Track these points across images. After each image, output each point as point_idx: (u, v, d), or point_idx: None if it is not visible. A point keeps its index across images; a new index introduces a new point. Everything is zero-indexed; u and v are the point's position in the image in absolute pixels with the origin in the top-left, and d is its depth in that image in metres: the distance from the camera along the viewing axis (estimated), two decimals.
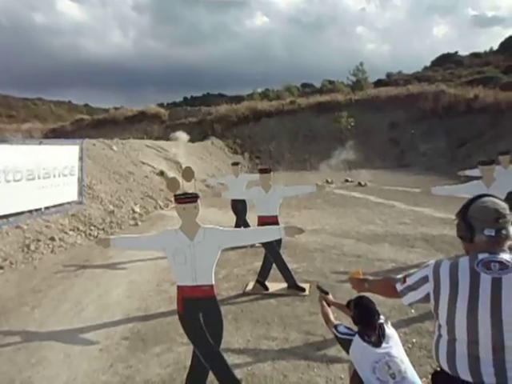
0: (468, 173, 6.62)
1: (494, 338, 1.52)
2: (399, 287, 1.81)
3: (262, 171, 5.03)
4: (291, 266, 5.31)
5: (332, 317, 2.71)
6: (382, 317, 2.45)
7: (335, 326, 2.58)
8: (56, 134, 26.75)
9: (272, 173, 5.07)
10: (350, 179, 16.64)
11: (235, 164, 7.82)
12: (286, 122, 25.10)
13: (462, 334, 1.57)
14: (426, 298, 1.69)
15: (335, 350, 3.62)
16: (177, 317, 4.49)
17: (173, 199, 2.74)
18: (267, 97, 32.51)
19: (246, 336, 3.99)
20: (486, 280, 1.52)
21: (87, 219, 9.21)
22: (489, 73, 27.73)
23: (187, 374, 2.83)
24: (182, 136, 23.49)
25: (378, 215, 9.58)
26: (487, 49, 44.30)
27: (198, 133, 24.98)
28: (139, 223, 9.92)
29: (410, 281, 1.77)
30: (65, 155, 9.33)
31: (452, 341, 1.61)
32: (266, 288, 5.13)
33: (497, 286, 1.50)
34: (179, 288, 2.70)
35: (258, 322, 4.31)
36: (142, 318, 4.56)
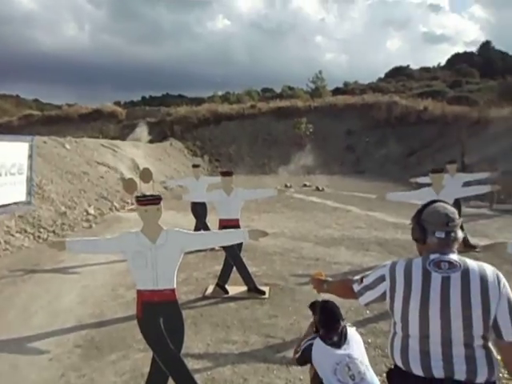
0: (419, 180, 7.00)
1: (442, 333, 1.60)
2: (356, 288, 1.87)
3: (223, 174, 5.02)
4: (251, 269, 5.33)
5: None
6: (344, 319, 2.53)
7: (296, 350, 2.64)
8: (1, 130, 25.10)
9: (234, 176, 5.07)
10: (308, 184, 17.00)
11: (196, 166, 7.74)
12: (246, 125, 25.24)
13: (414, 330, 1.65)
14: (383, 297, 1.77)
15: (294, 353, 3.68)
16: (133, 322, 4.37)
17: (133, 201, 2.66)
18: (228, 100, 32.56)
19: (205, 340, 3.95)
20: (436, 278, 1.62)
21: (36, 221, 8.70)
22: (437, 87, 29.52)
23: (146, 381, 2.74)
24: (144, 134, 22.90)
25: (334, 219, 9.86)
26: (435, 64, 47.25)
27: (157, 134, 24.48)
28: (93, 225, 9.52)
29: (366, 281, 1.84)
30: (13, 152, 8.75)
31: (405, 337, 1.69)
32: (226, 291, 5.11)
33: (446, 284, 1.60)
34: (139, 292, 2.62)
35: (217, 325, 4.28)
36: (96, 325, 4.37)
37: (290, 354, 3.65)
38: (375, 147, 22.02)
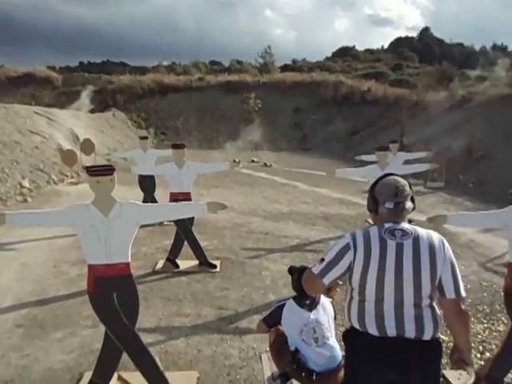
0: (364, 158, 7.32)
1: (396, 296, 1.74)
2: (317, 269, 1.85)
3: (175, 147, 4.87)
4: (202, 243, 5.30)
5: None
6: None
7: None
8: None
9: (186, 149, 4.94)
10: (256, 160, 17.08)
11: (143, 138, 7.42)
12: (193, 98, 24.50)
13: (370, 295, 1.77)
14: (348, 268, 1.81)
15: (247, 323, 3.78)
16: (79, 299, 4.22)
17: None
18: (174, 71, 31.22)
19: (157, 315, 3.91)
20: (391, 245, 1.74)
21: None
22: (380, 69, 30.59)
23: (99, 357, 2.67)
24: (86, 103, 21.39)
25: (282, 195, 10.07)
26: (379, 46, 48.85)
27: (98, 103, 22.99)
28: (29, 199, 8.86)
29: (328, 257, 1.84)
30: None
31: (362, 301, 1.81)
32: (177, 266, 5.06)
33: (399, 250, 1.73)
34: (90, 267, 2.51)
35: (169, 299, 4.25)
36: (38, 303, 4.14)
37: (242, 324, 3.76)
38: (322, 125, 22.54)
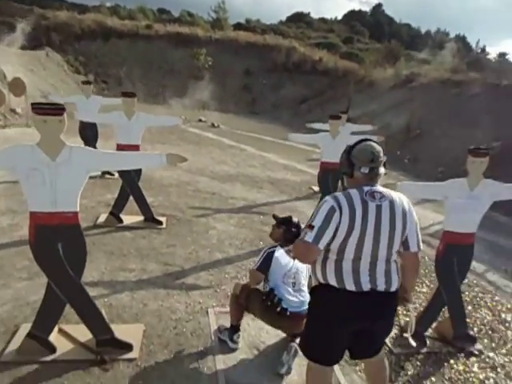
0: (314, 125, 7.43)
1: (372, 253, 1.88)
2: (310, 237, 1.83)
3: (126, 95, 4.55)
4: (147, 199, 5.13)
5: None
6: None
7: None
8: None
9: (136, 98, 4.64)
10: (203, 119, 16.66)
11: (86, 83, 6.81)
12: (139, 47, 22.84)
13: (349, 254, 1.88)
14: (336, 229, 1.83)
15: (193, 279, 3.80)
16: (13, 250, 3.94)
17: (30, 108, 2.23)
18: (117, 14, 28.73)
19: (100, 269, 3.78)
20: (372, 207, 1.85)
21: None
22: (332, 40, 30.74)
23: (39, 309, 2.53)
24: (19, 36, 18.97)
25: (230, 157, 10.00)
26: (333, 17, 48.88)
27: (30, 40, 20.55)
28: None
29: (317, 222, 1.83)
30: None
31: (339, 261, 1.90)
32: (121, 220, 4.88)
33: (379, 211, 1.85)
34: (33, 214, 2.31)
35: (112, 254, 4.12)
36: None
37: (189, 280, 3.77)
38: (271, 90, 22.38)
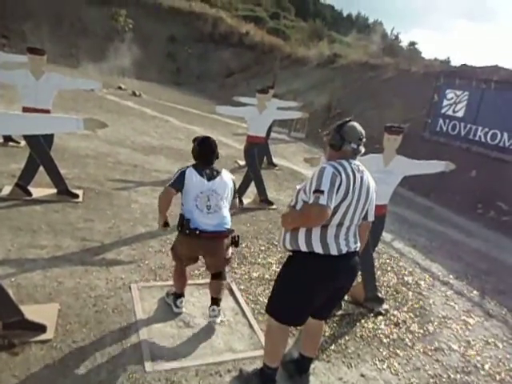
0: (241, 99, 7.39)
1: (351, 219, 2.10)
2: (323, 200, 1.90)
3: (32, 51, 4.02)
4: (60, 171, 4.70)
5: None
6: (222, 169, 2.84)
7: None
8: None
9: (46, 56, 4.14)
10: (123, 87, 15.59)
11: None
12: (47, 1, 20.39)
13: (336, 219, 2.05)
14: (336, 194, 1.99)
15: (114, 254, 3.62)
16: None
17: None
18: None
19: (5, 246, 3.41)
20: (358, 178, 2.06)
21: None
22: (259, 13, 30.42)
23: None
24: None
25: (153, 128, 9.55)
26: None
27: None
28: None
29: (325, 186, 1.93)
30: None
31: (325, 227, 2.05)
32: (29, 193, 4.42)
33: (362, 182, 2.08)
34: None
35: (20, 230, 3.73)
36: None
37: (109, 256, 3.59)
38: (197, 61, 21.65)
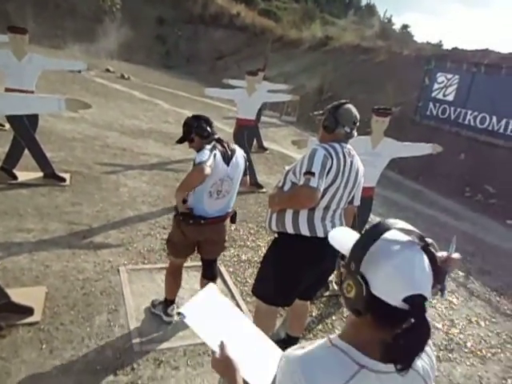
0: (231, 82, 7.28)
1: (338, 202, 2.10)
2: (314, 183, 1.89)
3: (13, 30, 3.90)
4: (46, 154, 4.62)
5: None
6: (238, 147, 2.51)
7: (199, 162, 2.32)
8: None
9: (28, 35, 4.01)
10: (111, 69, 15.27)
11: None
12: None
13: (324, 202, 2.04)
14: (326, 177, 1.98)
15: (102, 238, 3.60)
16: None
17: None
18: None
19: None
20: (348, 162, 2.05)
21: None
22: None
23: None
24: None
25: (142, 111, 9.40)
26: None
27: None
28: None
29: (316, 169, 1.91)
30: None
31: (312, 210, 2.04)
32: (14, 177, 4.35)
33: (350, 166, 2.07)
34: None
35: (6, 213, 3.68)
36: None
37: (97, 239, 3.57)
38: (186, 43, 21.23)
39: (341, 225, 2.20)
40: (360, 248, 0.81)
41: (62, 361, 2.23)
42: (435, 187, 7.38)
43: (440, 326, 3.25)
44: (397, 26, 24.28)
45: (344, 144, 2.08)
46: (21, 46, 3.94)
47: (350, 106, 2.11)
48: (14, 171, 4.37)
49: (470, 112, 8.11)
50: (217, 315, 1.07)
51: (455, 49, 10.98)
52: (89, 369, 2.21)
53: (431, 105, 8.92)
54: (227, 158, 2.37)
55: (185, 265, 3.36)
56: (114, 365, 2.27)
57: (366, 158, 3.04)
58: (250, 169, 5.41)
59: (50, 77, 9.75)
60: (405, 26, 24.86)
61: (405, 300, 0.75)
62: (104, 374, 2.20)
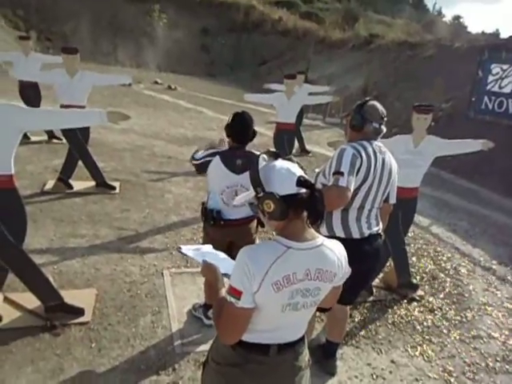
0: (271, 86, 7.33)
1: (373, 202, 2.06)
2: (343, 182, 1.87)
3: (66, 51, 4.21)
4: (98, 164, 4.92)
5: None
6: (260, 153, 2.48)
7: (193, 156, 2.48)
8: None
9: (79, 54, 4.31)
10: (159, 81, 15.96)
11: (24, 38, 6.20)
12: (86, 1, 21.14)
13: (357, 202, 2.02)
14: (356, 176, 1.97)
15: (148, 243, 3.76)
16: None
17: None
18: None
19: (48, 236, 3.64)
20: (379, 159, 2.02)
21: None
22: None
23: None
24: None
25: (187, 120, 9.72)
26: None
27: None
28: None
29: (344, 168, 1.90)
30: None
31: (346, 209, 2.02)
32: (70, 186, 4.67)
33: (383, 164, 2.03)
34: None
35: (62, 221, 3.96)
36: None
37: (143, 244, 3.73)
38: (230, 51, 21.69)
39: (377, 224, 2.13)
40: (254, 178, 1.20)
41: (109, 359, 2.35)
42: (493, 186, 6.89)
43: (497, 335, 3.02)
44: (448, 18, 23.12)
45: (373, 141, 2.04)
46: (73, 64, 4.25)
47: (375, 102, 2.07)
48: (70, 181, 4.69)
49: None
50: (203, 248, 1.57)
51: (511, 37, 10.24)
52: (133, 368, 2.32)
53: (486, 98, 8.35)
54: (238, 167, 2.32)
55: None
56: (157, 365, 2.35)
57: (408, 157, 2.93)
58: None
59: (103, 92, 10.40)
60: (456, 17, 23.63)
61: (296, 184, 1.18)
62: (147, 374, 2.29)
